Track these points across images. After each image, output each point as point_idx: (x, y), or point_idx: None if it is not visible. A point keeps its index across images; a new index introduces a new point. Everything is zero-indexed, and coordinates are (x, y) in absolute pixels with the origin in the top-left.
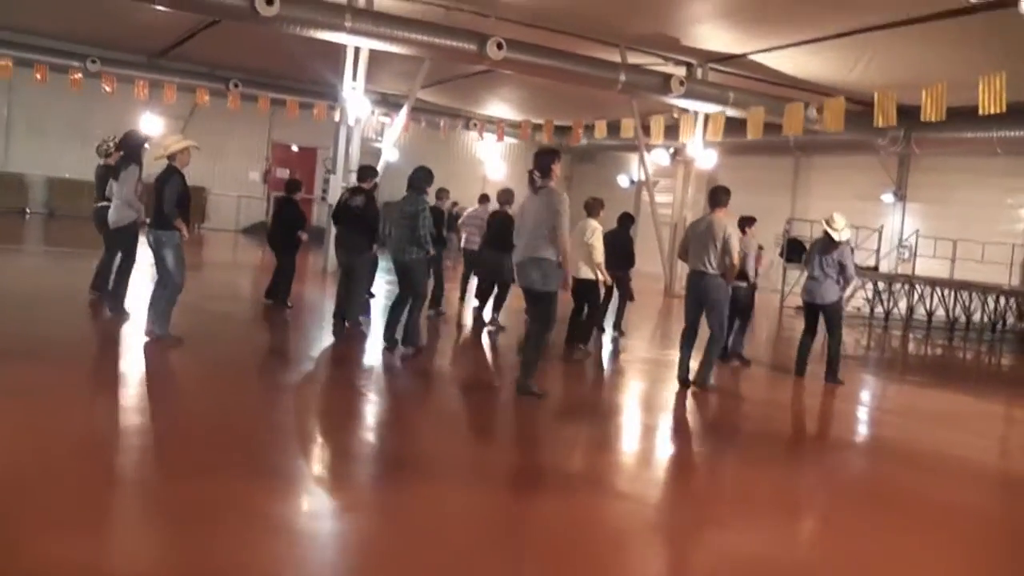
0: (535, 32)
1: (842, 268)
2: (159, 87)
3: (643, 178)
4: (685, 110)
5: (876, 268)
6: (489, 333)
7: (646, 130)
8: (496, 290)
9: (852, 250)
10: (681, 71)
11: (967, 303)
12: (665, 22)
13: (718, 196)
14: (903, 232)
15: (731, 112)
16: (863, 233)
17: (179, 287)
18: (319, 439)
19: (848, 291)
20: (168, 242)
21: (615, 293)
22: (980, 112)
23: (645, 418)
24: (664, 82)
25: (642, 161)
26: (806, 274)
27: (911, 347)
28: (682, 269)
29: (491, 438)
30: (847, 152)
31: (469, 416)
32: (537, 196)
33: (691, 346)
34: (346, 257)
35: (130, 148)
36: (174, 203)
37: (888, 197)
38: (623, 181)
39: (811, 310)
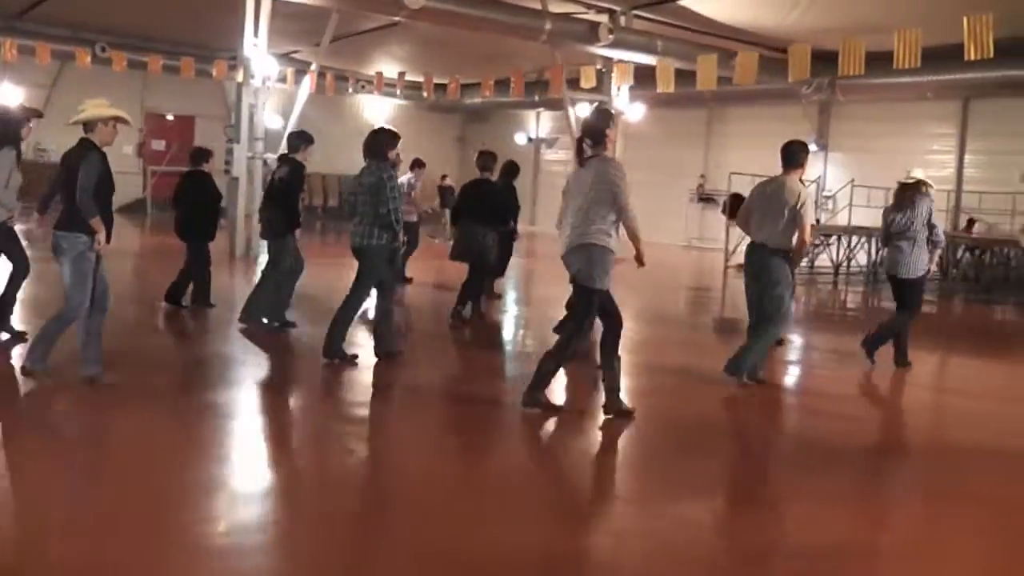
0: None
1: (930, 228)
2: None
3: (542, 136)
4: (609, 59)
5: (818, 222)
6: (452, 322)
7: (546, 85)
8: (472, 272)
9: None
10: (604, 19)
11: None
12: None
13: (794, 154)
14: (827, 182)
15: (656, 61)
16: None
17: (73, 312)
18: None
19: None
20: (69, 249)
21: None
22: (967, 58)
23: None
24: (591, 30)
25: (567, 117)
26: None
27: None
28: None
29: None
30: (765, 101)
31: (478, 449)
32: (586, 168)
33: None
34: (268, 242)
35: (4, 127)
36: (91, 193)
37: (811, 146)
38: (520, 139)
39: (896, 284)
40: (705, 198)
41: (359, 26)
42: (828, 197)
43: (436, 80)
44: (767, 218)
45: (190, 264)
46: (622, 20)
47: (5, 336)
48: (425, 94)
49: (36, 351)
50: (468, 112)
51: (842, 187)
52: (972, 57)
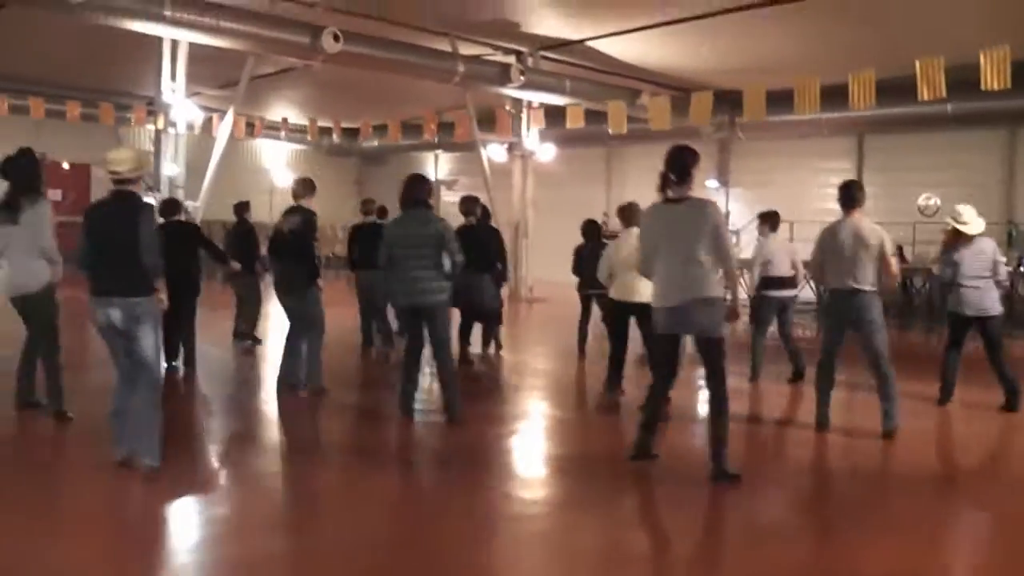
0: (357, 21)
1: (995, 267)
2: None
3: (442, 177)
4: (519, 100)
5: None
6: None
7: (447, 127)
8: (482, 320)
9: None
10: (512, 60)
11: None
12: (501, 7)
13: (853, 194)
14: (731, 218)
15: (565, 102)
16: None
17: (160, 382)
18: None
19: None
20: (148, 314)
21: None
22: (920, 98)
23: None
24: (503, 72)
25: (480, 159)
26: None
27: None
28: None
29: None
30: (665, 139)
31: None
32: (673, 208)
33: (831, 380)
34: (288, 300)
35: (30, 173)
36: (158, 251)
37: (712, 183)
38: None
39: (965, 323)
40: (609, 236)
41: (256, 70)
42: (734, 232)
43: (331, 124)
44: (853, 262)
45: (182, 323)
46: (529, 61)
47: None
48: (335, 137)
49: (151, 449)
50: (365, 155)
51: (748, 222)
52: (925, 97)
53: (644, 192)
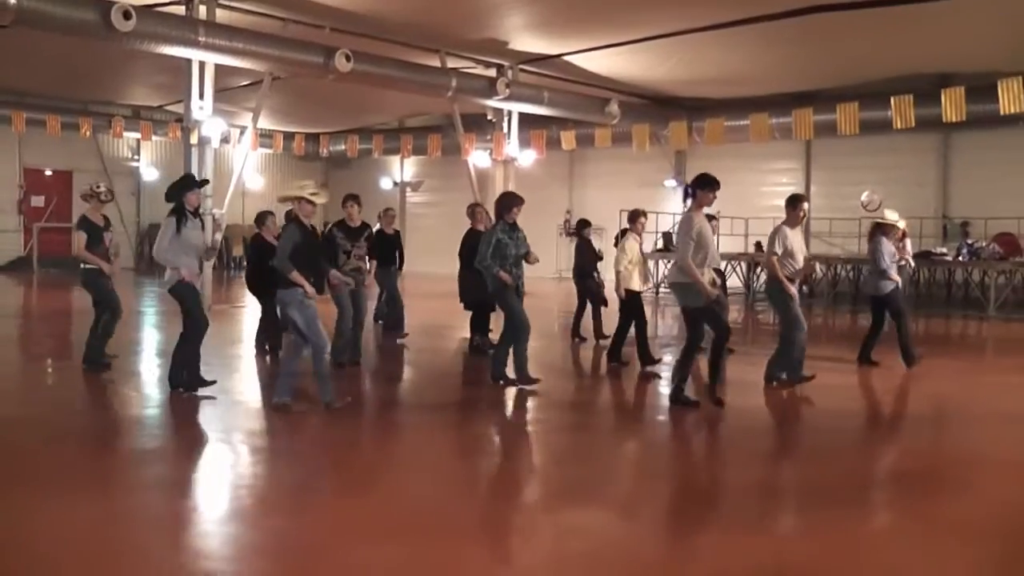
0: (360, 41)
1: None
2: None
3: (407, 179)
4: (499, 111)
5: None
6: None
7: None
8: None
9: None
10: (493, 73)
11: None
12: (489, 27)
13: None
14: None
15: (543, 111)
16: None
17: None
18: None
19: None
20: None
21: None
22: (1001, 112)
23: None
24: (489, 86)
25: (468, 166)
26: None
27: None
28: None
29: None
30: (625, 143)
31: None
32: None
33: None
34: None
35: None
36: (286, 254)
37: (671, 183)
38: (386, 183)
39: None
40: (571, 233)
41: (234, 82)
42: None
43: (303, 131)
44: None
45: (265, 316)
46: (509, 74)
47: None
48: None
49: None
50: (331, 159)
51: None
52: (953, 120)
53: (602, 194)
